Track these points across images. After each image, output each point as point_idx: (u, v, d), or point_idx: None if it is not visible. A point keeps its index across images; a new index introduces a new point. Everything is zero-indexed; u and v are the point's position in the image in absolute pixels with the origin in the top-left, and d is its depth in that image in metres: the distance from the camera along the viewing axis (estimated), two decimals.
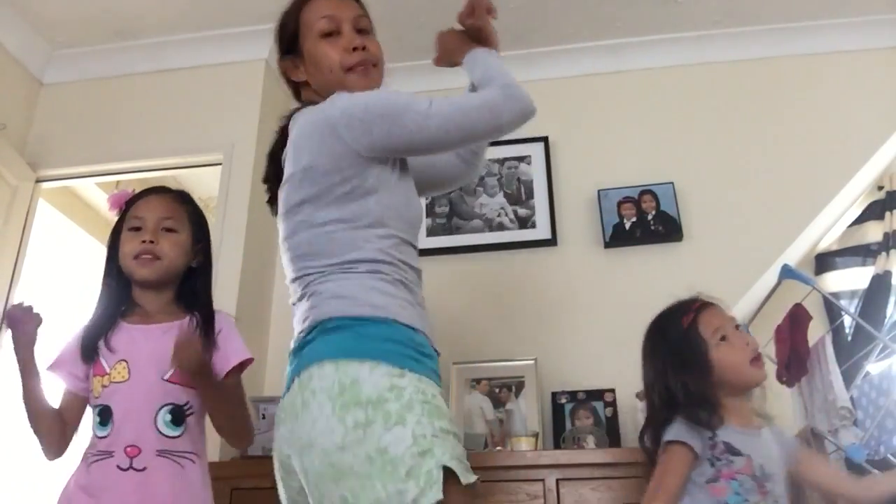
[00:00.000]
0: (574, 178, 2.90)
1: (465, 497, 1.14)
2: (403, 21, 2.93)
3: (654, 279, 2.68)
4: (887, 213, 2.77)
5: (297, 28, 1.50)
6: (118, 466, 1.50)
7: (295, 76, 1.51)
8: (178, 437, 1.57)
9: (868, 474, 2.15)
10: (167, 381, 1.58)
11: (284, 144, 1.42)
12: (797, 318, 2.34)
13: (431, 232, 2.88)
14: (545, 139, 2.95)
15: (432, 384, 1.23)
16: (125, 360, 1.58)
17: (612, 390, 2.46)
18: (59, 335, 1.70)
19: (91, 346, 1.60)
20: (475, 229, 2.85)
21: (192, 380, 1.58)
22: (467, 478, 1.13)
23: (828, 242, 2.88)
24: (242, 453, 2.41)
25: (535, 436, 2.32)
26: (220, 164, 2.83)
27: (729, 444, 1.52)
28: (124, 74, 3.05)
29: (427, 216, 2.91)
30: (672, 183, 2.78)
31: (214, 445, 2.34)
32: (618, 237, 2.74)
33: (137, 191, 1.78)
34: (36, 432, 1.60)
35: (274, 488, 2.16)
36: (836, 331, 2.60)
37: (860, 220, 2.86)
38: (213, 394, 1.60)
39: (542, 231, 2.81)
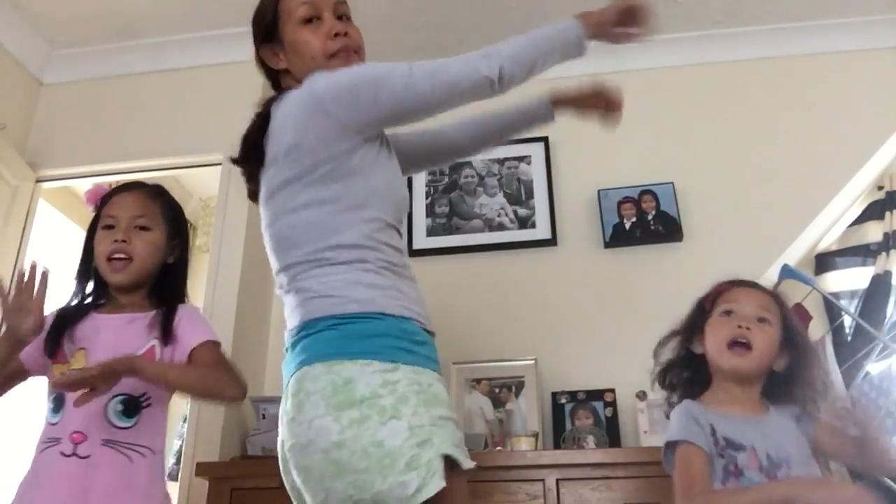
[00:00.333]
0: (574, 178, 2.90)
1: (463, 482, 1.16)
2: (403, 21, 2.93)
3: (654, 279, 2.68)
4: (887, 213, 2.77)
5: (275, 16, 1.47)
6: (62, 452, 1.49)
7: (274, 64, 1.49)
8: (129, 428, 1.54)
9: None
10: None
11: (264, 130, 1.41)
12: (797, 318, 2.34)
13: (431, 232, 2.88)
14: (545, 139, 2.95)
15: (427, 372, 1.23)
16: (84, 349, 1.58)
17: (612, 390, 2.46)
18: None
19: (54, 340, 1.60)
20: (475, 229, 2.85)
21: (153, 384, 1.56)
22: (469, 464, 1.15)
23: (828, 242, 2.88)
24: (242, 453, 2.41)
25: (535, 436, 2.32)
26: (220, 164, 2.83)
27: (728, 439, 1.47)
28: (124, 74, 3.05)
29: (427, 216, 2.91)
30: (672, 183, 2.78)
31: (214, 445, 2.34)
32: (618, 237, 2.74)
33: (114, 186, 1.77)
34: None
35: (274, 488, 2.16)
36: (836, 331, 2.60)
37: (860, 220, 2.85)
38: (179, 387, 1.59)
39: (542, 231, 2.81)
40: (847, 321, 2.65)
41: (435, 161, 1.74)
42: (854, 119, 2.82)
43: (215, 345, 1.64)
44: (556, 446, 2.39)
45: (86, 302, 1.70)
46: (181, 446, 2.83)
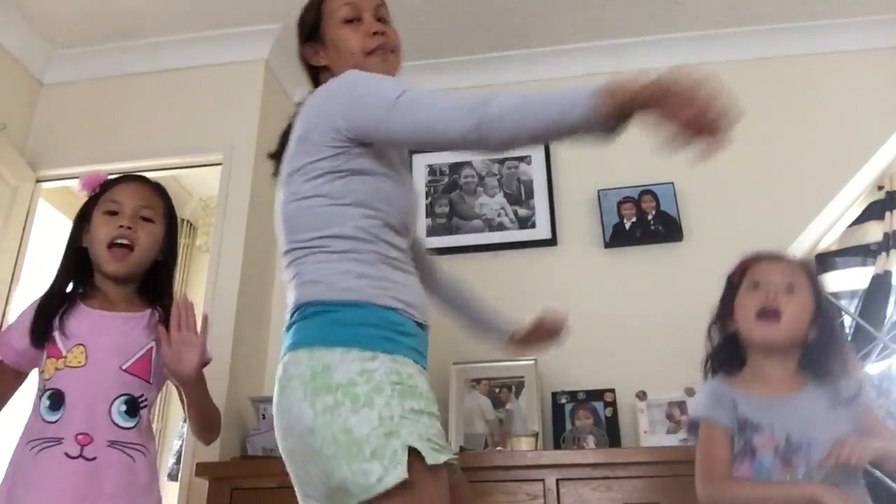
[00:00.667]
0: (574, 178, 2.90)
1: (432, 477, 1.14)
2: (403, 21, 2.91)
3: (654, 279, 2.68)
4: (887, 213, 2.77)
5: (318, 15, 1.52)
6: (66, 454, 1.46)
7: (315, 61, 1.53)
8: (131, 428, 1.54)
9: (869, 476, 2.16)
10: (125, 371, 1.56)
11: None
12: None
13: (431, 232, 2.88)
14: None
15: (409, 363, 1.24)
16: (83, 345, 1.54)
17: (612, 390, 2.46)
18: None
19: (43, 326, 1.55)
20: (475, 229, 2.85)
21: (183, 382, 1.56)
22: (434, 458, 1.14)
23: (828, 242, 2.88)
24: (242, 453, 2.41)
25: (535, 436, 2.32)
26: (220, 164, 2.83)
27: (747, 419, 1.45)
28: (124, 74, 3.05)
29: (427, 216, 2.91)
30: (672, 183, 2.78)
31: (214, 445, 2.33)
32: (618, 237, 2.74)
33: (112, 176, 1.74)
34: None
35: (274, 488, 2.16)
36: None
37: (860, 220, 2.85)
38: (196, 393, 1.60)
39: (542, 231, 2.81)
40: (847, 321, 2.65)
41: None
42: (854, 119, 2.82)
43: (207, 363, 1.66)
44: (556, 446, 2.39)
45: (68, 289, 1.65)
46: (181, 446, 2.83)
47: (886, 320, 2.60)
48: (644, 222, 2.74)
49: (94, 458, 1.47)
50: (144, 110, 2.97)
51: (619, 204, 2.77)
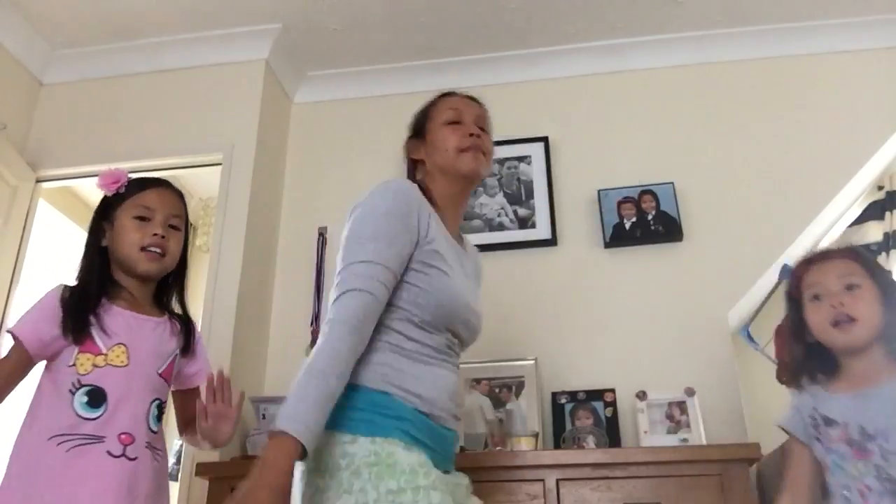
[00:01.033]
0: (574, 178, 2.90)
1: None
2: (403, 21, 2.93)
3: (654, 279, 2.68)
4: (887, 213, 2.77)
5: (425, 117, 1.68)
6: (109, 453, 1.46)
7: (415, 154, 1.67)
8: (158, 432, 1.59)
9: None
10: (160, 375, 1.60)
11: None
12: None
13: None
14: (545, 139, 2.95)
15: (395, 442, 1.26)
16: (124, 345, 1.55)
17: (612, 390, 2.46)
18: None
19: (82, 319, 1.53)
20: (475, 229, 2.84)
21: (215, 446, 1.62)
22: None
23: (828, 242, 2.88)
24: (242, 453, 2.41)
25: (535, 436, 2.32)
26: (220, 164, 2.83)
27: (825, 416, 1.49)
28: (124, 74, 3.05)
29: None
30: (672, 183, 2.78)
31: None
32: (618, 237, 2.74)
33: (133, 177, 1.73)
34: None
35: None
36: None
37: (860, 220, 2.86)
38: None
39: (542, 231, 2.81)
40: None
41: None
42: (854, 119, 2.82)
43: None
44: (556, 446, 2.39)
45: (97, 285, 1.63)
46: (181, 446, 2.83)
47: None
48: (644, 222, 2.74)
49: (135, 458, 1.49)
50: (144, 110, 2.97)
51: (619, 204, 2.77)
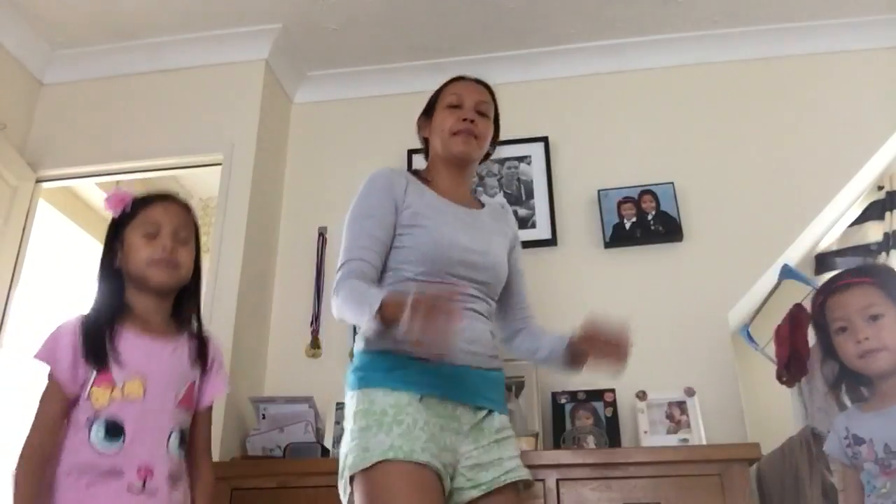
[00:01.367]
0: (574, 178, 2.90)
1: (365, 479, 1.44)
2: (403, 21, 2.93)
3: (654, 279, 2.68)
4: (887, 213, 2.77)
5: (434, 99, 1.86)
6: (129, 489, 1.44)
7: (423, 132, 1.88)
8: (179, 462, 1.56)
9: None
10: (178, 404, 1.57)
11: None
12: (797, 319, 2.34)
13: None
14: (545, 139, 2.95)
15: (376, 391, 1.53)
16: (139, 377, 1.52)
17: (612, 390, 2.46)
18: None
19: (102, 352, 1.51)
20: None
21: None
22: (354, 468, 1.45)
23: (828, 242, 2.88)
24: (242, 453, 2.41)
25: (535, 436, 2.32)
26: (220, 164, 2.83)
27: (855, 435, 1.53)
28: (124, 74, 3.05)
29: None
30: (672, 183, 2.78)
31: (214, 446, 2.33)
32: (618, 237, 2.74)
33: (138, 194, 1.71)
34: None
35: (274, 488, 2.16)
36: None
37: (860, 220, 2.85)
38: None
39: (542, 231, 2.81)
40: None
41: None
42: (854, 119, 2.82)
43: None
44: (556, 446, 2.39)
45: (111, 311, 1.60)
46: None
47: None
48: (644, 222, 2.74)
49: (155, 492, 1.47)
50: (144, 110, 2.97)
51: (619, 204, 2.77)
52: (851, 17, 2.91)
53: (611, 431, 2.39)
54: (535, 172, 2.92)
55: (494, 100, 1.86)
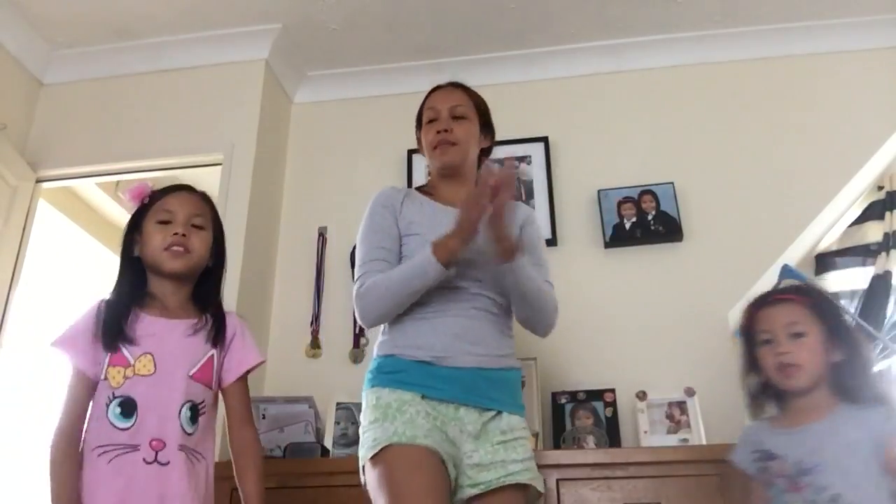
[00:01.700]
0: (574, 178, 2.90)
1: (373, 467, 1.55)
2: (403, 21, 2.93)
3: (654, 279, 2.68)
4: (887, 213, 2.76)
5: (420, 114, 1.93)
6: (144, 460, 1.51)
7: (420, 148, 1.94)
8: (194, 434, 1.59)
9: None
10: (191, 377, 1.61)
11: None
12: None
13: None
14: (545, 139, 2.95)
15: (382, 390, 1.64)
16: (150, 354, 1.59)
17: (612, 390, 2.46)
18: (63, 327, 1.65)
19: (115, 334, 1.58)
20: None
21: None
22: (365, 458, 1.58)
23: (828, 242, 2.87)
24: None
25: (535, 436, 2.32)
26: (220, 164, 2.83)
27: (766, 451, 1.59)
28: (124, 74, 3.05)
29: None
30: (672, 183, 2.78)
31: (214, 446, 2.34)
32: (618, 237, 2.74)
33: (155, 186, 1.78)
34: None
35: (274, 488, 2.16)
36: None
37: (860, 220, 2.85)
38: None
39: (542, 231, 2.80)
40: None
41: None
42: (854, 119, 2.82)
43: (254, 368, 1.75)
44: (556, 446, 2.39)
45: (129, 296, 1.67)
46: None
47: (886, 320, 2.60)
48: (644, 222, 2.74)
49: (167, 463, 1.52)
50: (144, 110, 2.97)
51: (619, 204, 2.77)
52: (851, 17, 2.91)
53: (611, 431, 2.39)
54: (535, 172, 2.92)
55: (474, 96, 1.89)
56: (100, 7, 2.85)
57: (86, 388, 1.57)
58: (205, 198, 1.80)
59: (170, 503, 1.51)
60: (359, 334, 2.74)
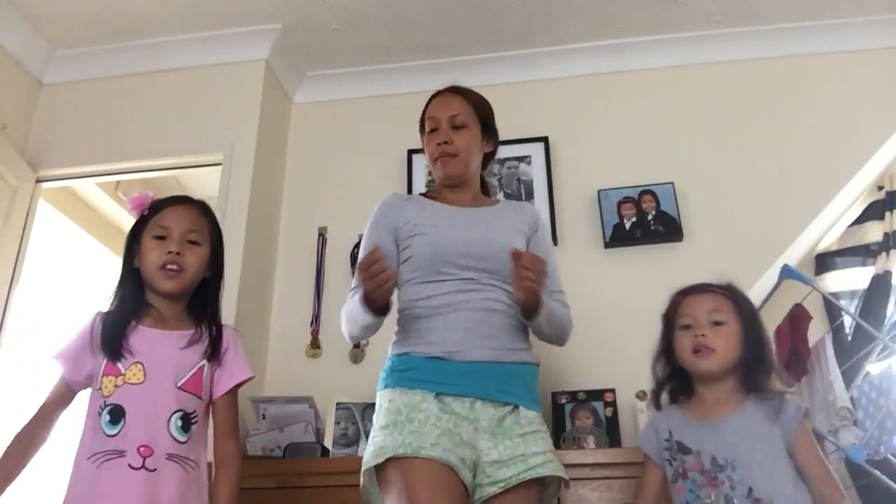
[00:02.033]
0: (574, 178, 2.90)
1: (384, 473, 1.54)
2: (403, 21, 2.93)
3: (654, 279, 2.67)
4: (887, 213, 2.77)
5: (421, 122, 1.92)
6: (130, 465, 1.52)
7: (426, 155, 1.93)
8: (185, 442, 1.60)
9: (869, 476, 2.16)
10: (181, 388, 1.62)
11: None
12: (797, 318, 2.34)
13: None
14: (545, 139, 2.95)
15: (394, 390, 1.64)
16: (141, 363, 1.61)
17: (612, 390, 2.46)
18: (62, 332, 1.73)
19: (117, 347, 1.61)
20: None
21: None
22: (369, 464, 1.56)
23: (828, 242, 2.88)
24: (242, 453, 2.41)
25: None
26: (220, 164, 2.83)
27: (680, 443, 1.62)
28: (124, 74, 3.05)
29: None
30: (672, 183, 2.78)
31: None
32: (618, 237, 2.74)
33: (157, 196, 1.79)
34: None
35: (274, 488, 2.16)
36: (836, 331, 2.60)
37: (860, 220, 2.85)
38: None
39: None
40: (847, 321, 2.65)
41: None
42: (854, 119, 2.82)
43: (244, 382, 1.76)
44: (556, 446, 2.37)
45: (128, 308, 1.71)
46: None
47: (886, 320, 2.60)
48: (644, 222, 2.74)
49: (154, 470, 1.53)
50: (144, 110, 2.97)
51: (619, 204, 2.77)
52: (851, 17, 2.91)
53: (611, 431, 2.39)
54: (536, 172, 2.92)
55: (474, 100, 1.88)
56: (100, 7, 2.85)
57: (62, 395, 1.65)
58: (204, 209, 1.81)
59: None
60: None
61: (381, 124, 3.09)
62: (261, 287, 2.80)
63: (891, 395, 2.28)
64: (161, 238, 1.70)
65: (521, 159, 2.95)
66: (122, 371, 1.60)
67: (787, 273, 2.46)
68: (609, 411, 2.43)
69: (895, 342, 2.48)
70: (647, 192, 2.78)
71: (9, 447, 1.59)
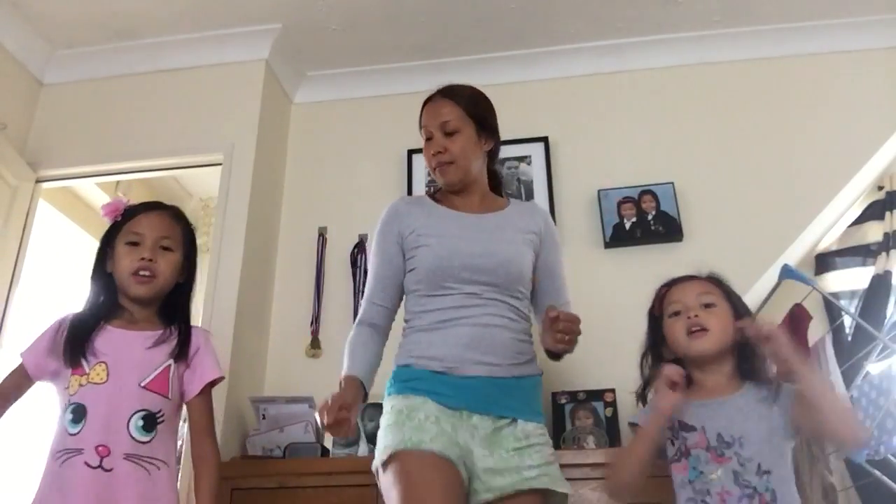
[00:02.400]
0: (574, 178, 2.90)
1: (385, 469, 1.58)
2: (403, 21, 2.93)
3: (654, 279, 2.66)
4: (887, 213, 2.76)
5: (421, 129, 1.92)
6: (86, 463, 1.54)
7: None
8: (148, 442, 1.61)
9: (869, 476, 2.16)
10: (144, 387, 1.64)
11: None
12: (797, 318, 2.34)
13: None
14: (545, 139, 2.95)
15: (397, 396, 1.68)
16: (105, 363, 1.63)
17: (612, 390, 2.46)
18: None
19: (78, 351, 1.64)
20: None
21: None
22: (377, 461, 1.61)
23: (828, 242, 2.88)
24: (242, 453, 2.41)
25: None
26: (220, 164, 2.83)
27: (682, 422, 1.60)
28: (124, 74, 3.05)
29: None
30: (672, 183, 2.78)
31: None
32: (618, 237, 2.74)
33: (132, 200, 1.82)
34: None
35: (273, 488, 2.17)
36: (836, 331, 2.59)
37: (860, 220, 2.85)
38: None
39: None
40: (847, 321, 2.65)
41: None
42: (854, 119, 2.82)
43: (216, 382, 1.78)
44: (556, 446, 2.38)
45: (97, 311, 1.74)
46: (181, 446, 2.83)
47: (886, 320, 2.60)
48: (644, 222, 2.74)
49: (110, 470, 1.55)
50: (144, 110, 2.97)
51: (619, 204, 2.77)
52: (852, 17, 2.91)
53: (611, 431, 2.39)
54: (535, 172, 2.92)
55: (464, 102, 1.85)
56: (100, 7, 2.85)
57: (18, 381, 1.70)
58: (177, 215, 1.84)
59: None
60: None
61: (381, 124, 3.09)
62: (261, 287, 2.80)
63: (891, 395, 2.28)
64: (134, 244, 1.73)
65: (521, 159, 2.95)
66: (87, 370, 1.62)
67: (787, 273, 2.46)
68: (609, 411, 2.43)
69: (895, 342, 2.48)
70: (647, 192, 2.78)
71: None
